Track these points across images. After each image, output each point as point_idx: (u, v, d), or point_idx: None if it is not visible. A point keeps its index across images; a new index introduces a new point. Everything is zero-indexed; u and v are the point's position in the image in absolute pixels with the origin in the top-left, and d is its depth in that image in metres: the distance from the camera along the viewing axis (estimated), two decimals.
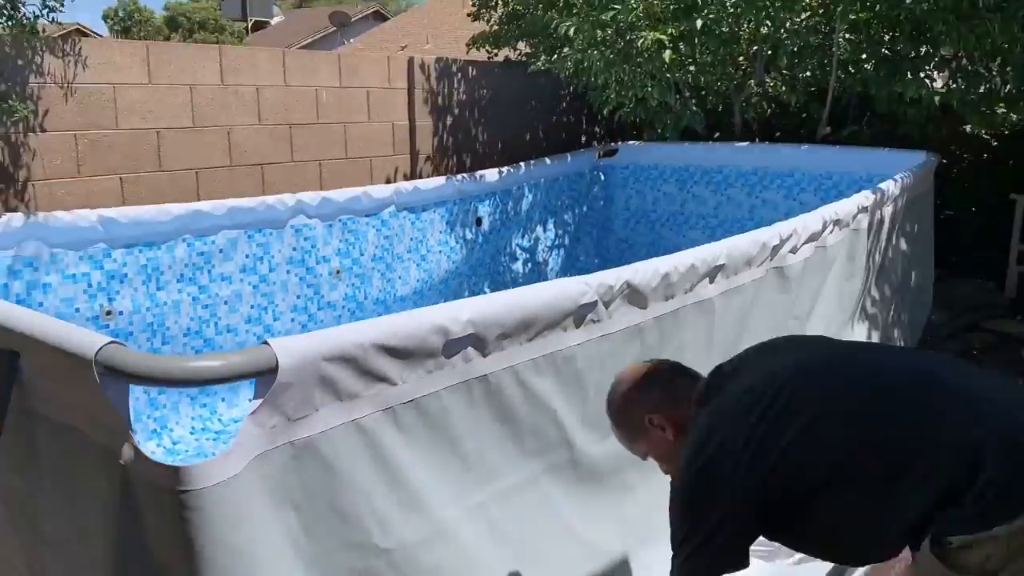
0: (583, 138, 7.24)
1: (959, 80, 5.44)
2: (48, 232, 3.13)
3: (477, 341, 1.75)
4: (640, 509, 2.31)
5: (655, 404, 1.69)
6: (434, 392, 1.67)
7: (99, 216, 3.26)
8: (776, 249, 2.81)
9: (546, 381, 1.95)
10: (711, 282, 2.49)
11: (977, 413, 1.40)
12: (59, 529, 1.58)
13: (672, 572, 1.54)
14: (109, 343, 1.33)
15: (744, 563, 1.51)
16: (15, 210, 3.77)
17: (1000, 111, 5.55)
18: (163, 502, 1.31)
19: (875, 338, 4.14)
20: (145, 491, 1.35)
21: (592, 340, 2.05)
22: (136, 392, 3.57)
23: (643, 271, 2.17)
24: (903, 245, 4.41)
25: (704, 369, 1.67)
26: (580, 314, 2.01)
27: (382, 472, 1.59)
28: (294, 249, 3.94)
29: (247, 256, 3.78)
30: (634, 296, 2.17)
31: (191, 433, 3.61)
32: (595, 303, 2.02)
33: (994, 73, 5.31)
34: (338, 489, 1.51)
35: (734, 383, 1.59)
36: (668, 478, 2.04)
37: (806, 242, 3.03)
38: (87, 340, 1.36)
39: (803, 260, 3.03)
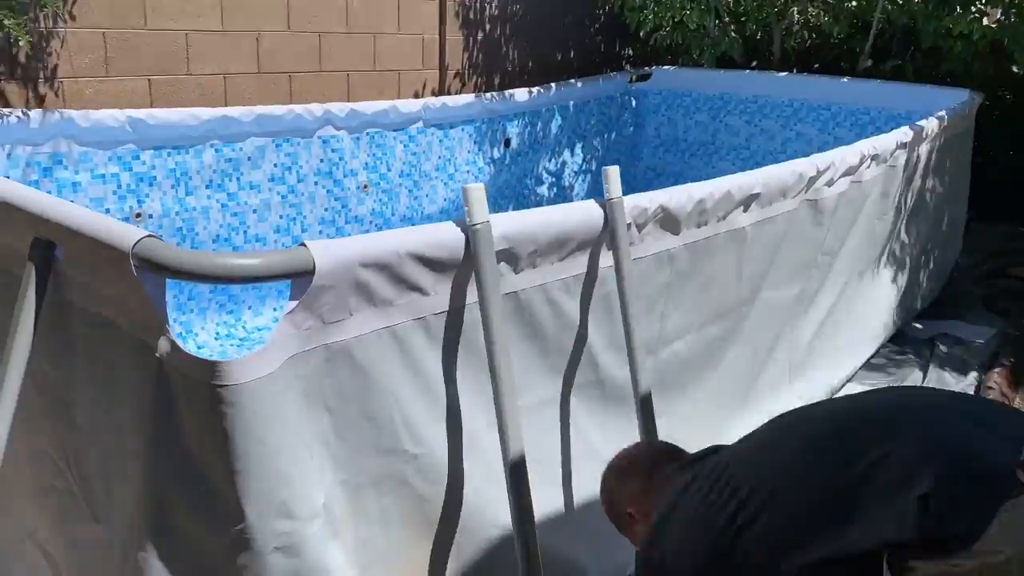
0: (617, 61, 7.06)
1: (1011, 16, 5.24)
2: (77, 130, 3.11)
3: (510, 256, 1.74)
4: (660, 432, 2.34)
5: (634, 496, 1.63)
6: (467, 304, 1.68)
7: (128, 117, 3.24)
8: (812, 181, 2.77)
9: (575, 301, 1.95)
10: (745, 211, 2.46)
11: (917, 442, 1.30)
12: (93, 419, 1.61)
13: None
14: (146, 236, 1.33)
15: None
16: (43, 105, 3.76)
17: None
18: (199, 395, 1.34)
19: (901, 279, 4.11)
20: (181, 384, 1.37)
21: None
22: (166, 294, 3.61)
23: (678, 196, 2.14)
24: (938, 185, 4.33)
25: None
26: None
27: (413, 379, 1.61)
28: (321, 160, 3.92)
29: (275, 165, 3.76)
30: (667, 221, 2.14)
31: (215, 339, 3.66)
32: (628, 226, 2.00)
33: None
34: (370, 393, 1.54)
35: (699, 470, 1.51)
36: (691, 403, 2.05)
37: (842, 176, 2.98)
38: (125, 233, 1.36)
39: (837, 194, 2.99)
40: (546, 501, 1.98)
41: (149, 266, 1.32)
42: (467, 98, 4.59)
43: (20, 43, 3.33)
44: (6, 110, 2.99)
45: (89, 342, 1.57)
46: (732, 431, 2.49)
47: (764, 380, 2.87)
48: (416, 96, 5.40)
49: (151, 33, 4.08)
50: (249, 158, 3.65)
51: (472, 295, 1.68)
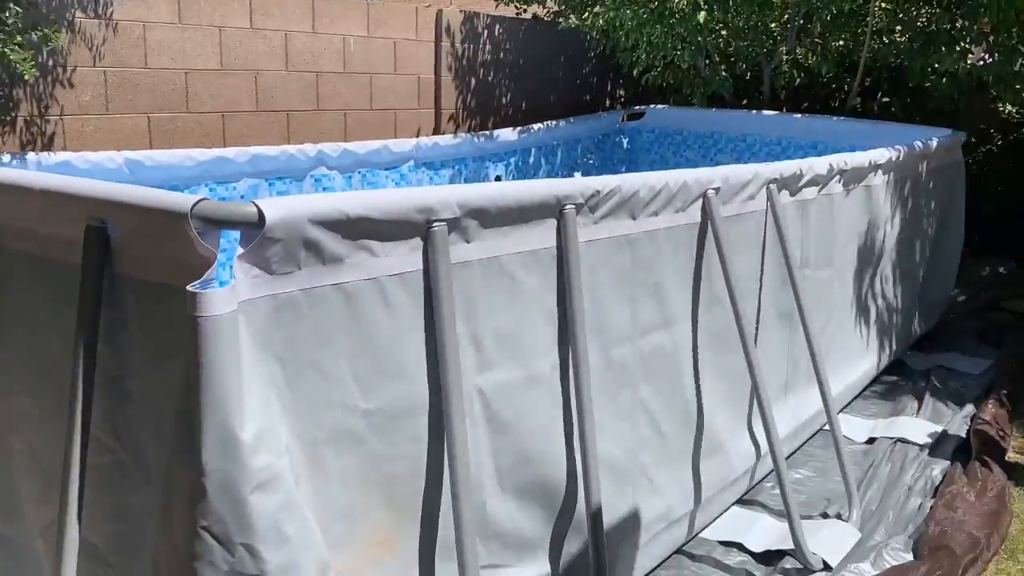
0: (608, 101, 7.23)
1: (996, 55, 5.35)
2: (76, 172, 3.16)
3: (461, 226, 1.79)
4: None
5: None
6: (418, 270, 1.71)
7: (125, 159, 3.32)
8: (774, 183, 2.82)
9: (532, 277, 1.98)
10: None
11: None
12: (147, 384, 1.63)
13: None
14: (200, 200, 1.42)
15: None
16: (47, 140, 3.90)
17: None
18: (191, 330, 1.40)
19: (890, 311, 4.07)
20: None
21: (582, 244, 2.08)
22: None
23: (632, 181, 2.20)
24: (926, 217, 4.34)
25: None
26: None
27: (364, 337, 1.64)
28: None
29: None
30: (622, 205, 2.19)
31: None
32: (582, 206, 2.05)
33: None
34: (320, 347, 1.57)
35: None
36: None
37: (807, 184, 3.02)
38: (180, 199, 1.44)
39: (805, 201, 3.02)
40: None
41: (206, 223, 1.41)
42: (458, 137, 4.72)
43: (25, 76, 3.47)
44: (6, 156, 3.05)
45: (142, 310, 1.60)
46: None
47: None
48: (417, 135, 5.54)
49: (151, 72, 4.25)
50: (242, 197, 3.73)
51: (421, 260, 1.72)
